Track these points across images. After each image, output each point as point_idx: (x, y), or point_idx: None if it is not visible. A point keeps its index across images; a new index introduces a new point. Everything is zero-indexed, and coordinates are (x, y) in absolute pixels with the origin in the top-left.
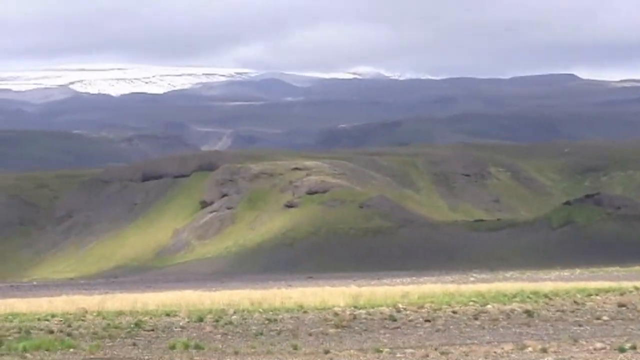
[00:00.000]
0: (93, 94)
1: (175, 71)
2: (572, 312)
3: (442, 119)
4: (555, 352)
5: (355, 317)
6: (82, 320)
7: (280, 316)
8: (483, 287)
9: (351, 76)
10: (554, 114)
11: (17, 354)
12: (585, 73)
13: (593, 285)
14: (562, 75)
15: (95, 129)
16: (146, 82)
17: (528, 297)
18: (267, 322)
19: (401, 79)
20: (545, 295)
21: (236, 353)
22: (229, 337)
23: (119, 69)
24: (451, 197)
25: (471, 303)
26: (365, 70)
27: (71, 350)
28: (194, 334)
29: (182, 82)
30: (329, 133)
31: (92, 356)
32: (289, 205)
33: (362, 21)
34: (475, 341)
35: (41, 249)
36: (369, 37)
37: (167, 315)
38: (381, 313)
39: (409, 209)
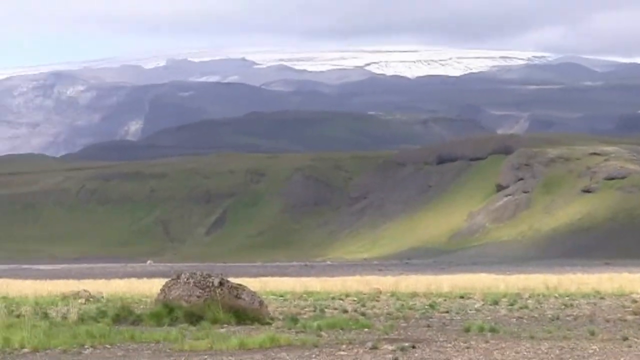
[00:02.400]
0: (389, 76)
1: (472, 54)
2: None
3: None
4: None
5: None
6: (376, 300)
7: (577, 301)
8: None
9: None
10: None
11: (312, 332)
12: None
13: None
14: None
15: (390, 110)
16: (442, 65)
17: None
18: (562, 307)
19: None
20: None
21: (532, 337)
22: (524, 321)
23: (415, 50)
24: None
25: None
26: None
27: (365, 330)
28: (489, 317)
29: (479, 65)
30: (629, 118)
31: (386, 336)
32: (586, 191)
33: None
34: None
35: (335, 229)
36: None
37: (462, 297)
38: None
39: None
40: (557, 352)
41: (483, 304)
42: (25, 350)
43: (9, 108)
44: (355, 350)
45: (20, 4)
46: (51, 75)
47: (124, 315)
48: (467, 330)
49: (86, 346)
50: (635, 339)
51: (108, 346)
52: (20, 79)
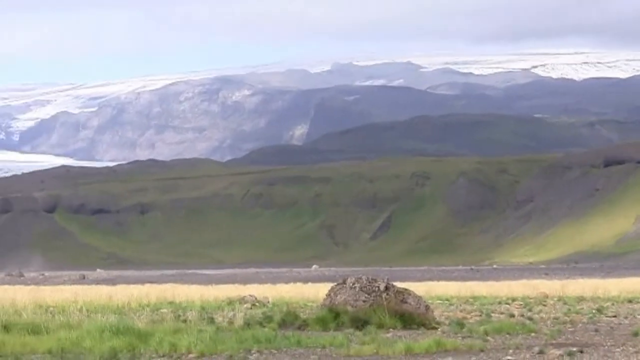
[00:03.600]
0: (555, 78)
1: None
2: None
3: None
4: None
5: None
6: (543, 305)
7: None
8: None
9: None
10: None
11: (478, 337)
12: None
13: None
14: None
15: (556, 113)
16: (610, 67)
17: None
18: None
19: None
20: None
21: None
22: None
23: (582, 52)
24: None
25: None
26: None
27: (532, 334)
28: None
29: None
30: None
31: (553, 341)
32: None
33: None
34: None
35: (501, 233)
36: None
37: (630, 301)
38: None
39: None
40: None
41: None
42: (192, 355)
43: (175, 113)
44: (522, 355)
45: (185, 10)
46: (216, 80)
47: (289, 320)
48: (636, 334)
49: (252, 351)
50: None
51: (274, 351)
52: (185, 85)
